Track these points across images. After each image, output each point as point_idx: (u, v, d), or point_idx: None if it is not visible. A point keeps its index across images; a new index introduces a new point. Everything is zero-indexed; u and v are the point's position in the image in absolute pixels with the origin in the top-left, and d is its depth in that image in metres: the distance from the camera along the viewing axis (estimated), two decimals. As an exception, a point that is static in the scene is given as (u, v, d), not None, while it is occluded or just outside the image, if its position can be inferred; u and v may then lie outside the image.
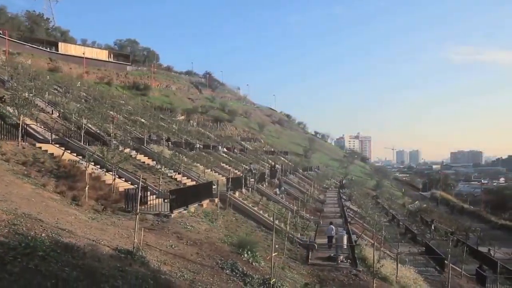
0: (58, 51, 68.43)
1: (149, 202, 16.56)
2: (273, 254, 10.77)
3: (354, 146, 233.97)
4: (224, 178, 24.23)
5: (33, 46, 64.48)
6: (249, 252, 12.04)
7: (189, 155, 29.58)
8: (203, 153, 34.52)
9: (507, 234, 43.10)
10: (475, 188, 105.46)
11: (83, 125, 21.81)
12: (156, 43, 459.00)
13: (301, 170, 53.12)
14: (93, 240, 9.52)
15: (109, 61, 76.20)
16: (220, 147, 41.27)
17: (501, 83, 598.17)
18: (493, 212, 61.60)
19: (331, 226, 20.71)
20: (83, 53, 69.09)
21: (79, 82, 56.07)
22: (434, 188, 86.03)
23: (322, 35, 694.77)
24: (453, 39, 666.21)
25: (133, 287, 7.73)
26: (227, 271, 10.66)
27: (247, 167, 33.57)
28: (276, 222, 20.01)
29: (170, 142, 33.64)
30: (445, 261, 20.46)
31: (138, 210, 10.14)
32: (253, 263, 11.73)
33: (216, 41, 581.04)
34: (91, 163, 15.88)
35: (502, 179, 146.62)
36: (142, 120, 38.91)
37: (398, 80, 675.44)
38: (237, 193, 22.57)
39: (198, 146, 36.99)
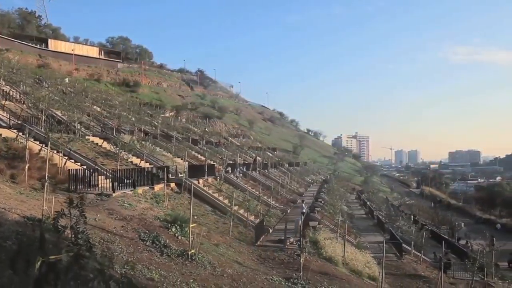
0: (48, 48, 68.63)
1: (100, 184, 16.56)
2: (191, 225, 10.77)
3: (351, 145, 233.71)
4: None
5: (23, 42, 64.60)
6: (177, 227, 12.02)
7: (159, 144, 29.62)
8: (180, 144, 34.60)
9: (489, 228, 42.99)
10: (470, 186, 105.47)
11: (44, 111, 21.82)
12: (154, 43, 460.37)
13: (286, 165, 53.12)
14: (3, 208, 9.53)
15: (99, 58, 76.30)
16: (201, 141, 41.35)
17: (500, 83, 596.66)
18: (483, 208, 61.73)
19: (303, 204, 23.82)
20: (72, 50, 69.20)
21: (67, 78, 56.33)
22: (429, 186, 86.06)
23: (321, 35, 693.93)
24: (452, 39, 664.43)
25: (23, 246, 7.74)
26: (148, 243, 10.65)
27: (225, 159, 33.57)
28: (235, 208, 20.09)
29: (148, 134, 33.82)
30: (403, 246, 20.46)
31: (46, 178, 10.11)
32: (179, 237, 11.70)
33: (214, 41, 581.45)
34: (33, 141, 15.83)
35: (498, 178, 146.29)
36: (123, 113, 38.90)
37: (397, 80, 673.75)
38: (200, 181, 22.59)
39: (177, 138, 37.05)
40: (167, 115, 61.36)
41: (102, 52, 79.49)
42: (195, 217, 12.52)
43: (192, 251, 10.54)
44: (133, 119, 33.91)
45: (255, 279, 10.71)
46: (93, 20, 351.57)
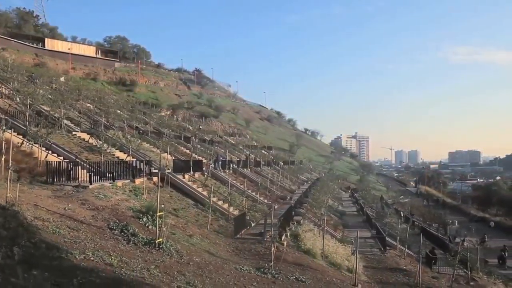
0: (44, 47, 68.83)
1: (80, 178, 16.58)
2: (159, 213, 10.76)
3: (351, 145, 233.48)
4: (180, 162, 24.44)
5: (19, 42, 64.80)
6: (148, 217, 12.01)
7: (148, 140, 29.72)
8: (171, 141, 34.66)
9: (483, 226, 42.99)
10: (469, 186, 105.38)
11: (29, 106, 21.89)
12: (154, 43, 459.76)
13: (281, 163, 53.17)
14: (-32, 196, 9.57)
15: (96, 58, 76.41)
16: (193, 138, 41.42)
17: (500, 83, 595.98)
18: (480, 207, 61.76)
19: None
20: (68, 49, 69.33)
21: (62, 77, 56.59)
22: (426, 185, 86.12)
23: (321, 35, 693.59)
24: (452, 39, 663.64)
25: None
26: (116, 231, 10.63)
27: (212, 155, 33.69)
28: (220, 202, 20.13)
29: (139, 130, 34.08)
30: (388, 241, 20.43)
31: (10, 165, 10.12)
32: (150, 227, 11.68)
33: (214, 41, 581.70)
34: (16, 135, 15.86)
35: (498, 178, 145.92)
36: (114, 110, 38.99)
37: (397, 80, 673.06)
38: (186, 176, 22.63)
39: (169, 135, 37.15)
40: (162, 113, 61.54)
41: (99, 51, 79.67)
42: (163, 206, 12.48)
43: (160, 239, 10.53)
44: (125, 115, 33.94)
45: (223, 268, 10.69)
46: (92, 20, 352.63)
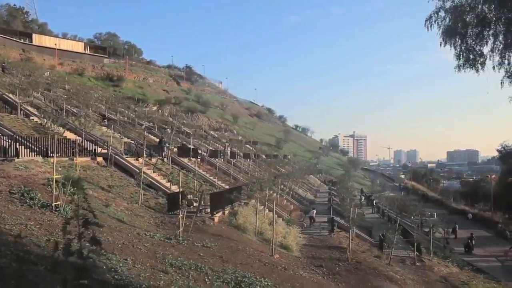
0: (32, 42, 69.05)
1: (20, 155, 16.59)
2: (55, 176, 10.73)
3: (348, 145, 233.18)
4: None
5: (6, 37, 64.99)
6: (58, 185, 11.96)
7: (112, 126, 29.83)
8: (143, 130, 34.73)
9: (461, 218, 43.01)
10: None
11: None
12: (152, 43, 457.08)
13: (264, 156, 53.31)
14: None
15: (85, 53, 76.56)
16: (168, 130, 41.56)
17: (500, 83, 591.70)
18: (467, 202, 62.17)
19: None
20: (55, 44, 69.53)
21: (47, 72, 56.96)
22: (415, 182, 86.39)
23: (320, 35, 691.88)
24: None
25: None
26: (15, 195, 10.60)
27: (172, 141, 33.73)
28: (164, 182, 20.14)
29: (109, 119, 34.38)
30: (339, 223, 20.43)
31: None
32: (55, 193, 11.64)
33: (213, 41, 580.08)
34: None
35: (494, 176, 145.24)
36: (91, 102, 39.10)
37: (397, 80, 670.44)
38: (140, 159, 22.65)
39: (141, 124, 37.31)
40: (148, 108, 61.73)
41: (88, 47, 79.82)
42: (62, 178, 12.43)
43: (58, 202, 10.51)
44: (95, 104, 34.05)
45: (122, 232, 10.64)
46: (86, 19, 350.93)
